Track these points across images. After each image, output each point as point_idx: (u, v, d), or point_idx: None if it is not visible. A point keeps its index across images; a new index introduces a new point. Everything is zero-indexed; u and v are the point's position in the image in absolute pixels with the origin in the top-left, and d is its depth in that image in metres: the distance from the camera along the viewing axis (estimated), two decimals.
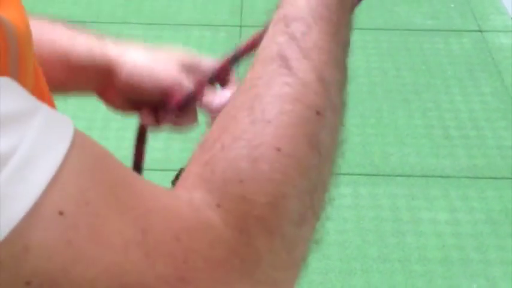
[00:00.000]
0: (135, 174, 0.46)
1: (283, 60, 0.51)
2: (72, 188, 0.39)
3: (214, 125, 0.51)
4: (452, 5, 3.74)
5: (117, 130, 2.84)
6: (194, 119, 0.87)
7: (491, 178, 2.71)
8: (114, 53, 0.83)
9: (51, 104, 0.67)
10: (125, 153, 2.72)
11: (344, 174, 2.70)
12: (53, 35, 0.82)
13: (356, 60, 3.28)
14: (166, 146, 2.77)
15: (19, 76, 0.45)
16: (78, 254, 0.37)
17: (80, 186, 0.39)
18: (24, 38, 0.47)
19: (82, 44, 0.82)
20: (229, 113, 0.50)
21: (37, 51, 0.60)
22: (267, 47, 0.55)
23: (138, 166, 0.89)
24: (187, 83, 0.84)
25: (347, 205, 2.58)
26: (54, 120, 0.42)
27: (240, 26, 3.51)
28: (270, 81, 0.50)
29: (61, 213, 0.37)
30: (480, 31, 3.54)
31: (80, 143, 0.42)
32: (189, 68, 0.86)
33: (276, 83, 0.50)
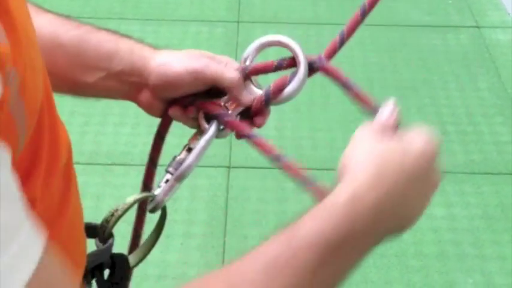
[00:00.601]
0: None
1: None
2: None
3: None
4: (449, 1, 3.75)
5: (114, 125, 2.84)
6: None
7: (487, 173, 2.72)
8: (149, 54, 0.88)
9: (51, 104, 0.68)
10: (122, 148, 2.72)
11: None
12: (97, 39, 0.88)
13: (353, 55, 3.28)
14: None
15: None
16: None
17: None
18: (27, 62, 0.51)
19: (124, 47, 0.88)
20: None
21: (80, 54, 0.74)
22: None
23: (153, 161, 0.94)
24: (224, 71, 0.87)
25: None
26: (28, 244, 0.45)
27: (238, 22, 3.51)
28: None
29: None
30: (477, 27, 3.55)
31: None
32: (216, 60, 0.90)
33: None
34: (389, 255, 2.40)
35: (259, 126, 0.90)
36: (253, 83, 0.89)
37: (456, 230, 2.49)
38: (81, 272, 0.77)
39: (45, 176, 0.58)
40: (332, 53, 0.92)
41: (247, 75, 0.88)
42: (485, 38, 3.47)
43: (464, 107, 3.04)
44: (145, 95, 0.90)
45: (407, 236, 2.44)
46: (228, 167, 2.68)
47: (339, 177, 0.70)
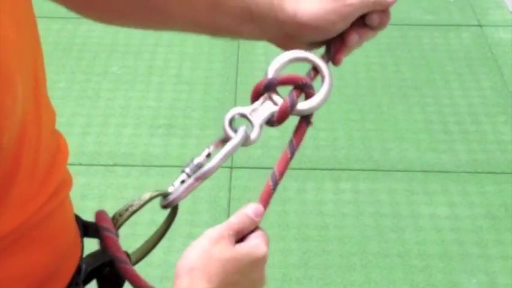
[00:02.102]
0: None
1: None
2: None
3: None
4: (451, 0, 3.74)
5: (116, 126, 2.83)
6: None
7: (490, 173, 2.71)
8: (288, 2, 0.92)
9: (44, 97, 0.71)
10: (124, 149, 2.72)
11: (343, 169, 2.70)
12: None
13: (355, 55, 3.25)
14: (166, 143, 2.77)
15: None
16: None
17: None
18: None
19: None
20: None
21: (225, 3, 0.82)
22: None
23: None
24: None
25: (347, 200, 2.58)
26: None
27: None
28: None
29: None
30: (480, 26, 3.54)
31: None
32: None
33: None
34: (392, 255, 2.39)
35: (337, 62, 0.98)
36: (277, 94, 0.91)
37: (459, 229, 2.48)
38: (73, 264, 0.77)
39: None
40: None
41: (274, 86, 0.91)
42: (488, 36, 3.46)
43: (467, 106, 3.03)
44: (286, 41, 0.96)
45: (410, 235, 2.45)
46: (231, 168, 2.67)
47: (174, 281, 0.77)
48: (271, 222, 2.45)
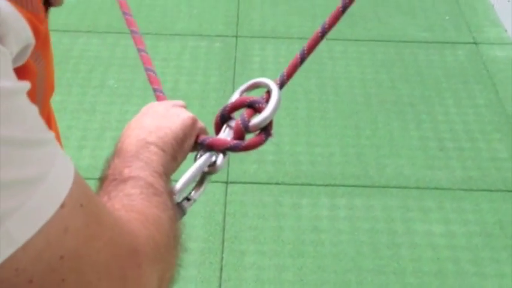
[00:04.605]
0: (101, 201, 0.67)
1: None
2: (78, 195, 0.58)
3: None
4: (447, 17, 3.76)
5: (112, 140, 2.82)
6: None
7: (485, 190, 2.71)
8: None
9: (50, 116, 0.85)
10: None
11: (339, 185, 2.70)
12: None
13: (351, 71, 3.28)
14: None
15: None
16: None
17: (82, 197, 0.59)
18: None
19: None
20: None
21: None
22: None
23: None
24: None
25: (342, 217, 2.58)
26: (64, 163, 0.58)
27: (236, 37, 3.52)
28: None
29: (81, 205, 0.58)
30: (475, 43, 3.55)
31: (76, 181, 0.59)
32: None
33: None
34: (387, 272, 2.39)
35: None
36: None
37: (455, 247, 2.48)
38: None
39: None
40: (292, 71, 1.04)
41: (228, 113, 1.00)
42: (483, 54, 3.47)
43: (462, 123, 3.04)
44: None
45: (405, 252, 2.44)
46: (226, 182, 2.67)
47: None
48: (266, 237, 2.44)
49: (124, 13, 1.16)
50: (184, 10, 3.76)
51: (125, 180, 0.81)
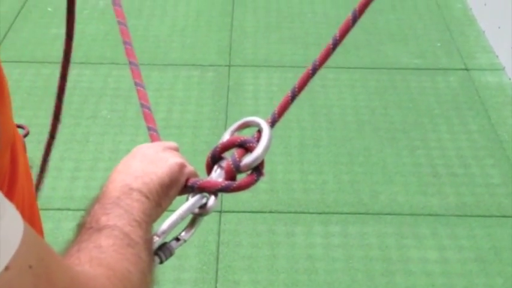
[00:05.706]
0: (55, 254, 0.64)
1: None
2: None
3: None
4: (438, 44, 3.78)
5: (105, 170, 2.82)
6: None
7: (479, 216, 2.71)
8: None
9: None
10: None
11: (333, 213, 2.69)
12: None
13: (344, 98, 3.29)
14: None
15: None
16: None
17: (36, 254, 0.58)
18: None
19: None
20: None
21: None
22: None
23: None
24: None
25: (336, 244, 2.57)
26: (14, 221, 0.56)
27: (229, 66, 3.53)
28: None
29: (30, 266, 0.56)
30: (466, 69, 3.58)
31: (26, 240, 0.56)
32: None
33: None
34: None
35: None
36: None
37: (449, 274, 2.47)
38: None
39: None
40: (284, 109, 1.03)
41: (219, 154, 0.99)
42: (475, 80, 3.50)
43: (455, 149, 3.04)
44: None
45: (400, 280, 2.43)
46: (220, 212, 2.66)
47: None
48: (260, 267, 2.43)
49: (125, 42, 1.18)
50: (177, 40, 3.78)
51: (100, 229, 0.79)
